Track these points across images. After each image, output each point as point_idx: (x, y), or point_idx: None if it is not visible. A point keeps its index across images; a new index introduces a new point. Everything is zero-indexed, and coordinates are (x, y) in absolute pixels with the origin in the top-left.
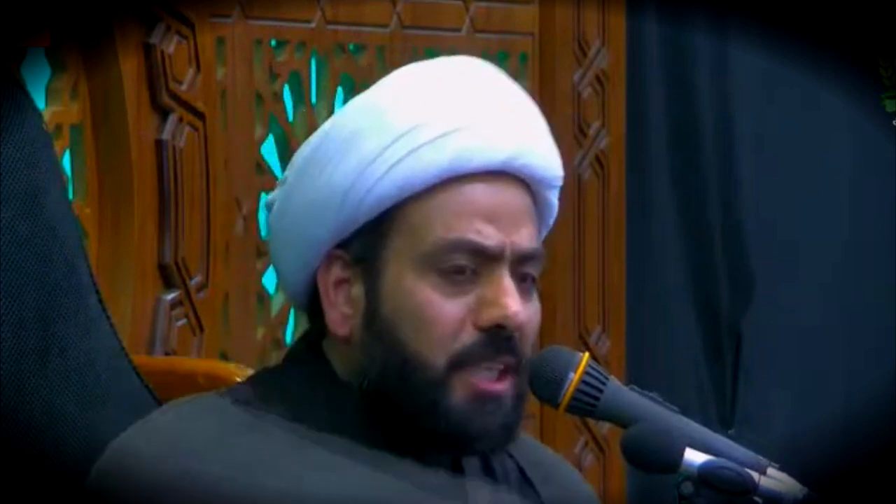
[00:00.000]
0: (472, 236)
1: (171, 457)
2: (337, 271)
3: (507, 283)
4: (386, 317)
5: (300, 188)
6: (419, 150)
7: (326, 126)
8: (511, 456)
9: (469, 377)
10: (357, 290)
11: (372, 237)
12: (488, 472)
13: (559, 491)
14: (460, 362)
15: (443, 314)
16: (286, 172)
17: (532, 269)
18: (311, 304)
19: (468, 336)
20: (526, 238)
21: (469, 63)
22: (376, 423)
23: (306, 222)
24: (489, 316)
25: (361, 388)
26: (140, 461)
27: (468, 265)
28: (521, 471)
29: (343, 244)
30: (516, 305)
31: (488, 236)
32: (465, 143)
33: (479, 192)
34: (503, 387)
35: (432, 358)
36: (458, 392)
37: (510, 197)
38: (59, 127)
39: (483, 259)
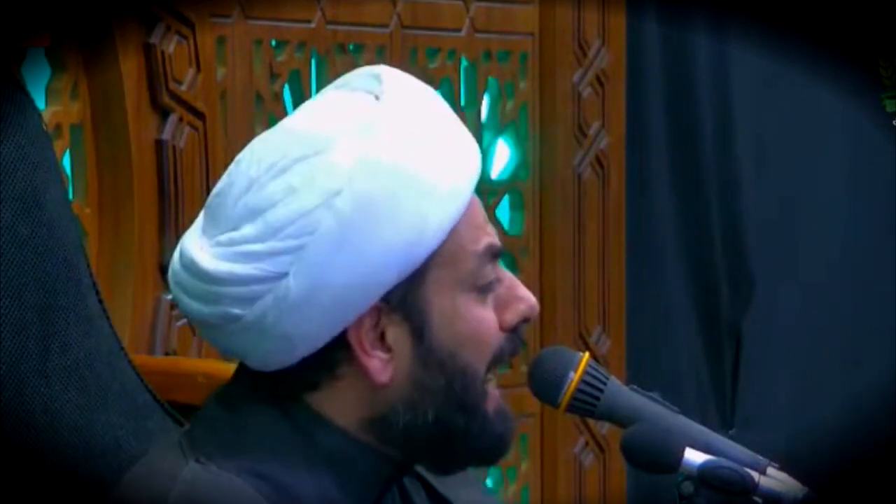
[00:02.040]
0: (492, 240)
1: None
2: (368, 322)
3: (511, 275)
4: (443, 346)
5: (339, 260)
6: (452, 189)
7: (340, 188)
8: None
9: (491, 390)
10: (395, 332)
11: (412, 280)
12: None
13: None
14: (492, 365)
15: (494, 327)
16: (284, 257)
17: None
18: (315, 363)
19: (503, 339)
20: None
21: (409, 82)
22: (391, 466)
23: (357, 287)
24: (517, 312)
25: (416, 422)
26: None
27: (496, 274)
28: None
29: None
30: (531, 294)
31: (496, 236)
32: (472, 167)
33: (475, 203)
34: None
35: (483, 369)
36: (491, 408)
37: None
38: (59, 127)
39: (496, 261)
